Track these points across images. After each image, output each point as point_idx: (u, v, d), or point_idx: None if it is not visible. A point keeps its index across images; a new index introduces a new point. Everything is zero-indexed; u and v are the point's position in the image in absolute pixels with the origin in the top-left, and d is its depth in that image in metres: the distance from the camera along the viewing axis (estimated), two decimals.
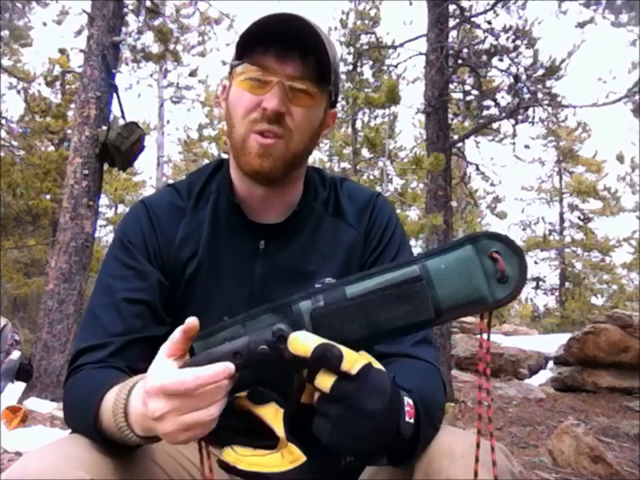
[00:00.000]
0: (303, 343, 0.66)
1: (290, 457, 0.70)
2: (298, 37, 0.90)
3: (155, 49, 9.29)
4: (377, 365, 0.69)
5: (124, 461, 0.80)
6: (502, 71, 6.99)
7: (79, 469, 0.73)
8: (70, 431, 0.89)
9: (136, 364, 0.92)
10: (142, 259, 0.98)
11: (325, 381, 0.66)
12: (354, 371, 0.65)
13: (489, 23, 6.95)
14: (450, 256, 0.66)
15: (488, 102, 7.35)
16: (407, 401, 0.72)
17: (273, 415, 0.71)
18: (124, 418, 0.74)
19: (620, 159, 17.83)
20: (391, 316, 0.65)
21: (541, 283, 19.81)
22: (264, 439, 0.71)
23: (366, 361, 0.67)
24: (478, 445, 0.72)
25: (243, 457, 0.70)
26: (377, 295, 0.66)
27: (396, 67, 8.69)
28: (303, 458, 0.70)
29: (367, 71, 9.81)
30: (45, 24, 12.10)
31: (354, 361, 0.66)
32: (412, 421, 0.71)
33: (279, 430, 0.70)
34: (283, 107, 0.92)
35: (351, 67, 8.59)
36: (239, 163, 0.98)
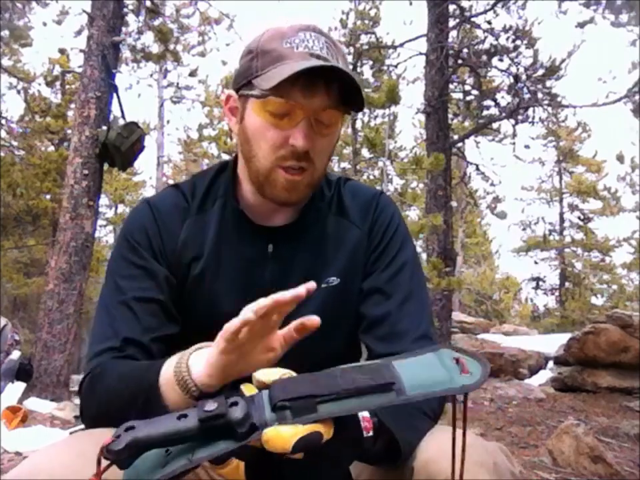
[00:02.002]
0: (281, 438, 0.62)
1: None
2: (324, 68, 0.89)
3: (155, 48, 9.29)
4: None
5: None
6: (502, 70, 7.00)
7: (90, 467, 0.72)
8: (72, 430, 0.89)
9: None
10: (149, 257, 0.99)
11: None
12: (330, 435, 0.66)
13: (489, 22, 6.95)
14: (413, 358, 0.69)
15: (488, 102, 7.36)
16: (362, 416, 0.74)
17: (234, 472, 0.71)
18: (187, 372, 0.78)
19: (620, 159, 17.84)
20: (349, 379, 0.66)
21: (540, 282, 19.83)
22: None
23: (331, 426, 0.66)
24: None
25: None
26: (340, 369, 0.69)
27: (396, 67, 8.69)
28: None
29: (367, 71, 9.80)
30: (44, 24, 12.09)
31: (329, 429, 0.66)
32: (371, 433, 0.74)
33: None
34: (312, 143, 0.92)
35: (351, 67, 8.58)
36: (262, 192, 0.98)
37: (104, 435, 0.79)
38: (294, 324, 0.79)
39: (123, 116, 5.94)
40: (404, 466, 0.79)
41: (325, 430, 0.64)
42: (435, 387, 0.64)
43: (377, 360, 0.70)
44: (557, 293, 19.82)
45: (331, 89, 0.91)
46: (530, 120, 7.13)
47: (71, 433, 3.96)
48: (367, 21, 12.24)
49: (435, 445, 0.79)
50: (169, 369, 0.81)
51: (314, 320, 0.77)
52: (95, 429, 0.84)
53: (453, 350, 0.69)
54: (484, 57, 6.88)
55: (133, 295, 0.95)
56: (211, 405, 0.62)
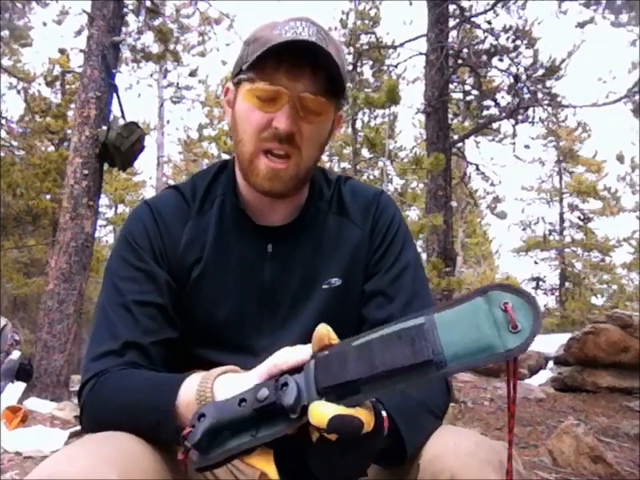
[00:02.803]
0: (319, 412, 0.63)
1: None
2: (310, 52, 0.89)
3: (155, 48, 9.29)
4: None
5: (151, 463, 0.79)
6: (502, 70, 7.00)
7: (110, 471, 0.71)
8: (72, 430, 0.88)
9: (155, 368, 0.91)
10: (149, 260, 0.97)
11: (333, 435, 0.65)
12: (370, 428, 0.65)
13: (489, 22, 6.96)
14: (458, 308, 0.65)
15: (488, 102, 7.36)
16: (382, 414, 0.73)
17: (263, 460, 0.71)
18: (212, 399, 0.75)
19: (620, 159, 17.84)
20: (388, 357, 0.64)
21: (540, 282, 19.83)
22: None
23: (372, 417, 0.66)
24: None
25: None
26: (378, 339, 0.66)
27: (396, 67, 8.70)
28: None
29: (367, 71, 9.80)
30: (44, 24, 12.11)
31: (370, 420, 0.65)
32: (386, 432, 0.72)
33: (272, 473, 0.70)
34: (295, 126, 0.91)
35: (351, 67, 8.59)
36: (248, 180, 0.98)
37: (124, 439, 0.79)
38: None
39: (123, 116, 5.94)
40: (410, 464, 0.79)
41: (366, 418, 0.64)
42: (478, 354, 0.61)
43: (417, 317, 0.66)
44: (557, 293, 19.82)
45: (318, 75, 0.91)
46: (530, 120, 7.14)
47: (70, 433, 3.97)
48: (366, 21, 12.24)
49: (440, 443, 0.78)
50: (189, 391, 0.78)
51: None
52: (115, 432, 0.81)
53: (502, 291, 0.63)
54: (484, 57, 6.88)
55: (132, 297, 0.94)
56: (263, 393, 0.67)
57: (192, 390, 0.77)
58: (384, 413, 0.71)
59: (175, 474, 0.84)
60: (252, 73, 0.91)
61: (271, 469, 0.69)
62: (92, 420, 0.89)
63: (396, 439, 0.75)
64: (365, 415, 0.64)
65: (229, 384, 0.76)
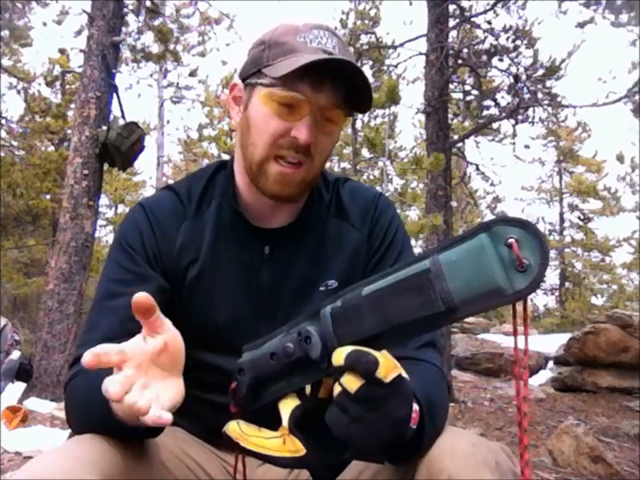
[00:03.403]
0: (338, 352, 0.66)
1: (291, 446, 0.73)
2: (334, 66, 0.90)
3: (155, 48, 9.28)
4: (404, 374, 0.70)
5: (133, 464, 0.80)
6: (502, 70, 6.99)
7: (89, 472, 0.72)
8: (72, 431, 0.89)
9: None
10: (143, 263, 0.97)
11: (352, 382, 0.66)
12: (388, 379, 0.66)
13: (489, 22, 6.94)
14: (463, 247, 0.62)
15: (488, 102, 7.35)
16: (415, 407, 0.72)
17: (286, 404, 0.75)
18: None
19: (620, 159, 17.83)
20: (401, 310, 0.64)
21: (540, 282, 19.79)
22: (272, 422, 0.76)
23: (399, 371, 0.68)
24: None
25: (247, 435, 0.76)
26: (388, 291, 0.66)
27: (396, 67, 8.68)
28: (302, 451, 0.73)
29: (367, 71, 9.79)
30: (44, 24, 12.08)
31: (390, 369, 0.66)
32: (414, 426, 0.72)
33: (285, 418, 0.74)
34: (314, 137, 0.92)
35: None
36: (255, 182, 0.97)
37: (105, 441, 0.79)
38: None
39: (123, 116, 5.94)
40: (407, 464, 0.79)
41: (382, 361, 0.65)
42: (486, 298, 0.60)
43: (422, 259, 0.65)
44: (557, 293, 19.81)
45: (337, 87, 0.92)
46: (530, 120, 7.13)
47: (70, 433, 3.96)
48: (366, 21, 12.23)
49: (437, 444, 0.78)
50: None
51: None
52: (92, 434, 0.82)
53: (507, 225, 0.61)
54: (484, 57, 6.87)
55: (123, 300, 0.93)
56: (289, 349, 0.72)
57: None
58: (416, 406, 0.72)
59: (160, 474, 0.84)
60: (274, 79, 0.90)
61: (286, 413, 0.74)
62: (69, 421, 0.91)
63: (415, 435, 0.74)
64: (382, 357, 0.66)
65: None
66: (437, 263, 0.63)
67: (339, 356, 0.66)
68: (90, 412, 0.82)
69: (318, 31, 0.92)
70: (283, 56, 0.90)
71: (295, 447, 0.73)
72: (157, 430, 0.80)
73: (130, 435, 0.79)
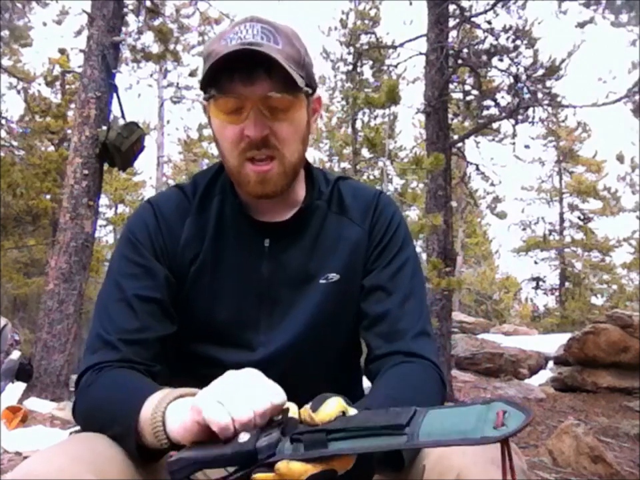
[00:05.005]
0: (294, 472, 0.65)
1: None
2: (257, 54, 0.89)
3: (155, 48, 9.28)
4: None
5: (130, 463, 0.80)
6: (502, 70, 6.99)
7: (85, 471, 0.72)
8: (72, 430, 0.89)
9: (151, 363, 0.93)
10: (150, 256, 0.99)
11: None
12: (349, 466, 0.67)
13: (489, 22, 6.95)
14: (457, 408, 0.67)
15: (488, 102, 7.35)
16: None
17: None
18: (162, 425, 0.76)
19: (620, 159, 17.83)
20: (366, 419, 0.67)
21: (540, 283, 19.82)
22: None
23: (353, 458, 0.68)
24: None
25: None
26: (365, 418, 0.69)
27: (396, 67, 8.68)
28: None
29: (367, 71, 9.81)
30: (44, 24, 12.11)
31: (350, 462, 0.67)
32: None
33: None
34: (265, 130, 0.92)
35: (350, 67, 8.59)
36: (240, 188, 1.00)
37: (99, 440, 0.80)
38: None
39: (123, 116, 5.94)
40: (415, 465, 0.79)
41: (340, 465, 0.66)
42: (451, 435, 0.62)
43: (414, 408, 0.68)
44: (557, 293, 19.81)
45: (273, 73, 0.91)
46: (530, 120, 7.13)
47: (71, 433, 3.96)
48: (367, 21, 12.25)
49: None
50: (147, 412, 0.78)
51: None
52: (89, 433, 0.84)
53: (505, 403, 0.65)
54: (484, 57, 6.87)
55: (132, 293, 0.95)
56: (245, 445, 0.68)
57: (149, 411, 0.77)
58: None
59: (156, 475, 0.84)
60: (213, 90, 0.92)
61: None
62: (78, 414, 0.91)
63: (393, 452, 0.76)
64: (336, 464, 0.66)
65: (181, 409, 0.75)
66: (425, 410, 0.67)
67: (296, 477, 0.65)
68: (110, 418, 0.82)
69: (239, 27, 0.93)
70: (208, 65, 0.91)
71: None
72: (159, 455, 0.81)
73: (130, 449, 0.80)
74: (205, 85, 0.93)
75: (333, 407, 0.69)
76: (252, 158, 0.94)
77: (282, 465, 0.65)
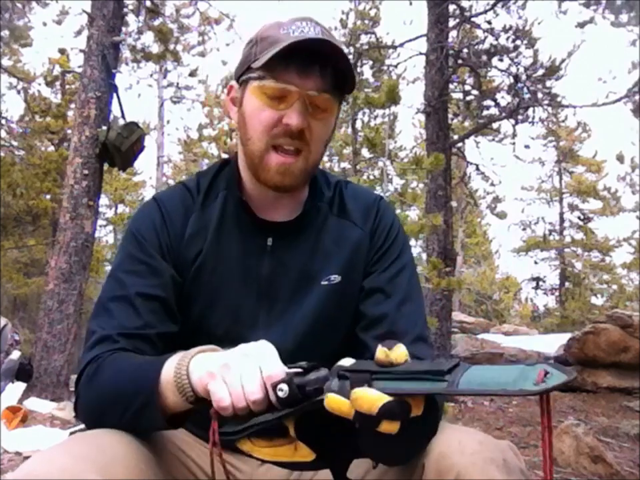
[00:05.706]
0: (367, 401, 0.67)
1: (302, 452, 0.79)
2: (319, 50, 0.92)
3: (155, 48, 9.27)
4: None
5: (133, 463, 0.79)
6: (502, 70, 6.99)
7: (89, 470, 0.72)
8: (72, 430, 0.89)
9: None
10: (155, 254, 0.99)
11: (390, 426, 0.68)
12: (420, 412, 0.69)
13: (489, 22, 6.95)
14: (501, 366, 0.69)
15: (488, 102, 7.36)
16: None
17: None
18: (187, 378, 0.78)
19: (620, 159, 17.84)
20: (409, 366, 0.71)
21: (540, 283, 19.82)
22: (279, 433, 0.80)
23: (423, 400, 0.70)
24: None
25: (258, 447, 0.81)
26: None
27: (396, 67, 8.70)
28: (312, 455, 0.79)
29: (367, 71, 9.79)
30: (44, 24, 12.09)
31: (418, 404, 0.69)
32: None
33: (291, 428, 0.78)
34: (305, 122, 0.94)
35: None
36: (257, 176, 1.00)
37: (106, 438, 0.80)
38: None
39: (123, 116, 5.93)
40: (415, 463, 0.80)
41: (414, 404, 0.68)
42: (489, 385, 0.65)
43: (457, 359, 0.72)
44: (557, 293, 19.81)
45: (325, 73, 0.94)
46: (530, 120, 7.13)
47: (71, 433, 3.97)
48: (366, 21, 12.24)
49: (444, 442, 0.79)
50: (169, 371, 0.80)
51: None
52: (92, 431, 0.83)
53: (549, 365, 0.67)
54: (484, 57, 6.88)
55: (135, 290, 0.95)
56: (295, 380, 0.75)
57: (171, 370, 0.80)
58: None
59: (160, 474, 0.84)
60: (262, 72, 0.94)
61: (291, 424, 0.77)
62: (85, 408, 0.90)
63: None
64: (411, 401, 0.68)
65: (204, 362, 0.78)
66: (468, 365, 0.70)
67: (370, 405, 0.67)
68: (130, 393, 0.83)
69: (300, 22, 0.95)
70: (267, 49, 0.93)
71: (305, 452, 0.79)
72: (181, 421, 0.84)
73: (152, 422, 0.82)
74: (253, 65, 0.95)
75: (404, 349, 0.72)
76: (279, 146, 0.95)
77: (359, 390, 0.67)
